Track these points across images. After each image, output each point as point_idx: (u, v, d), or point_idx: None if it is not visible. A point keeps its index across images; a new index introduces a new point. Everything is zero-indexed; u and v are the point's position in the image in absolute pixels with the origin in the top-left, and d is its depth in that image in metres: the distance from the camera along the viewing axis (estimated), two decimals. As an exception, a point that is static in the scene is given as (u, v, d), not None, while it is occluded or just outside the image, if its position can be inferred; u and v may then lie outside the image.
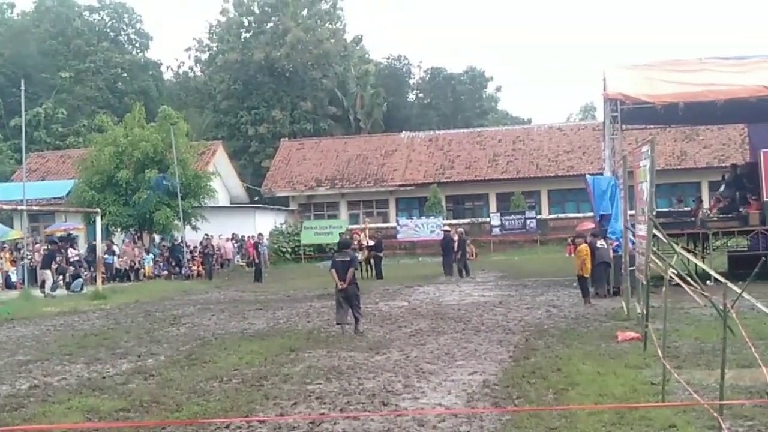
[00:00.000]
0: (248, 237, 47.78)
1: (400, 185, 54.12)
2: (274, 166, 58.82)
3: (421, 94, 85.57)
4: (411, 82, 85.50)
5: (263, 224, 49.72)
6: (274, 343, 15.73)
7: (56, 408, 10.76)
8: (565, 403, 9.77)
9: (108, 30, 79.54)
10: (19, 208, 34.73)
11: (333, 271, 17.35)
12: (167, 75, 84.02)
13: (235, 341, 16.34)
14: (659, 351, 10.10)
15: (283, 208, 56.22)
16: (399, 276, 33.27)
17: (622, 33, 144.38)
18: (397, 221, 50.48)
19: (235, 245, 46.72)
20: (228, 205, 54.87)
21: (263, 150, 68.70)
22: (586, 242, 21.66)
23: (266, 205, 55.33)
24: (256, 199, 59.39)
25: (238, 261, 45.87)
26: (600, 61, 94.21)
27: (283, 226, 51.98)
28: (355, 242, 34.88)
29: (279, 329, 18.13)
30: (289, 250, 49.78)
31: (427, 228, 47.92)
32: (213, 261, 40.45)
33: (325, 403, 10.43)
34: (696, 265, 18.35)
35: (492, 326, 17.14)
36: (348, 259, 17.47)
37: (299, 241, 49.09)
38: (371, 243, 34.78)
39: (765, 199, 24.39)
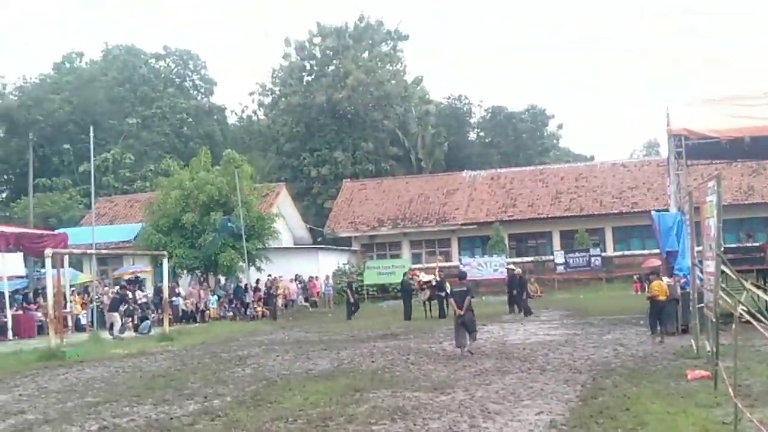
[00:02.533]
0: (312, 277, 48.04)
1: (462, 224, 54.00)
2: (336, 207, 59.18)
3: (482, 133, 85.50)
4: (472, 121, 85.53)
5: (326, 264, 49.95)
6: (338, 384, 15.75)
7: (125, 448, 10.90)
8: (635, 444, 9.62)
9: (173, 76, 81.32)
10: (89, 252, 35.36)
11: (452, 300, 20.40)
12: (231, 119, 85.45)
13: (299, 381, 16.39)
14: (730, 389, 9.90)
15: (346, 248, 56.43)
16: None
17: (684, 67, 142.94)
18: (460, 260, 50.24)
19: (299, 286, 46.98)
20: (292, 246, 55.27)
21: (326, 191, 69.16)
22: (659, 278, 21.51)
23: (329, 246, 55.60)
24: (319, 239, 59.70)
25: (301, 301, 46.08)
26: (662, 97, 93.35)
27: (346, 267, 52.12)
28: (415, 283, 34.92)
29: (343, 369, 18.14)
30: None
31: (491, 267, 47.63)
32: (276, 301, 40.70)
33: (390, 444, 10.41)
34: (766, 301, 17.92)
35: (558, 365, 16.95)
36: (465, 289, 20.08)
37: (362, 281, 49.13)
38: (434, 281, 34.58)
39: (837, 234, 23.89)
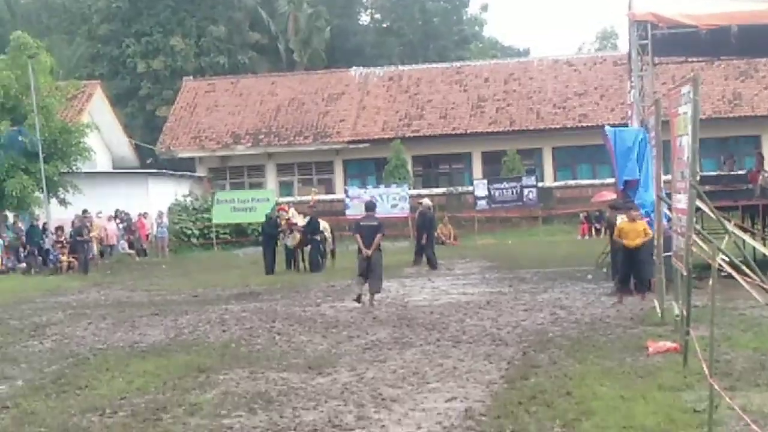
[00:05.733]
0: (140, 214, 47.40)
1: (350, 142, 53.96)
2: (174, 116, 58.34)
3: (378, 16, 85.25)
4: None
5: (159, 197, 49.32)
6: (176, 362, 15.67)
7: None
8: (578, 439, 9.87)
9: None
10: None
11: (357, 236, 22.86)
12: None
13: (121, 359, 16.25)
14: (705, 367, 10.21)
15: (188, 173, 55.82)
16: (348, 267, 33.21)
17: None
18: (346, 191, 50.24)
19: (121, 226, 46.34)
20: (110, 170, 54.38)
21: (159, 93, 68.05)
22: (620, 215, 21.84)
23: (163, 170, 54.88)
24: (149, 161, 58.88)
25: (123, 248, 45.53)
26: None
27: (188, 200, 51.60)
28: (282, 222, 34.58)
29: (183, 342, 18.05)
30: (196, 232, 49.45)
31: (388, 201, 47.66)
32: (89, 248, 40.08)
33: (247, 444, 10.44)
34: (755, 249, 18.51)
35: (477, 335, 17.20)
36: (375, 223, 22.88)
37: (210, 219, 48.76)
38: (304, 222, 34.25)
39: None
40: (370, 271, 22.38)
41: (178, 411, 12.07)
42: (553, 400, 11.64)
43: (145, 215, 47.85)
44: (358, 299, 22.21)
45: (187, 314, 22.38)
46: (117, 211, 46.65)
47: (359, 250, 22.74)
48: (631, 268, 21.42)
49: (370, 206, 24.49)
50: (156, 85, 68.69)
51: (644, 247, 21.08)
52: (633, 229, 21.23)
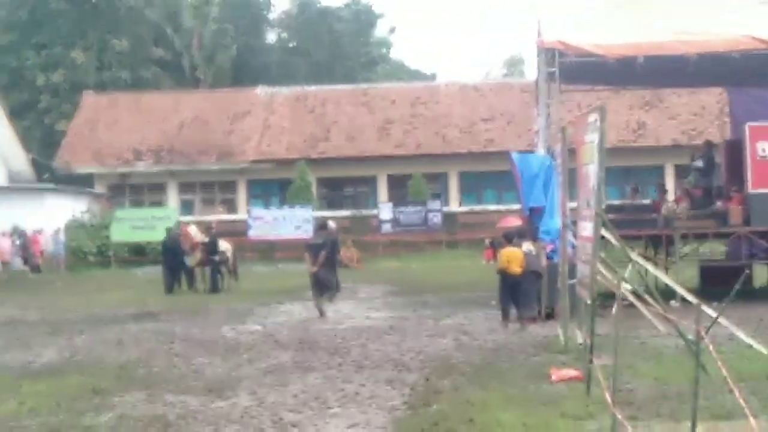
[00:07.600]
0: (35, 230, 46.78)
1: (254, 162, 53.84)
2: (73, 131, 57.74)
3: (284, 35, 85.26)
4: (271, 17, 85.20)
5: (57, 213, 48.74)
6: (70, 383, 15.46)
7: None
8: (480, 467, 9.89)
9: None
10: None
11: (307, 254, 24.77)
12: None
13: (13, 380, 16.01)
14: (607, 395, 10.30)
15: (86, 190, 55.22)
16: (250, 290, 33.07)
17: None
18: (249, 212, 50.18)
19: (16, 242, 45.69)
20: (5, 185, 53.60)
21: (58, 107, 67.36)
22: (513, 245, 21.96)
23: (61, 186, 54.28)
24: (46, 176, 58.14)
25: (17, 264, 44.87)
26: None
27: (86, 216, 51.03)
28: (188, 242, 34.12)
29: (78, 363, 17.82)
30: (94, 250, 48.92)
31: (292, 222, 47.75)
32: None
33: (143, 468, 10.33)
34: (657, 278, 18.74)
35: (380, 360, 17.20)
36: (320, 242, 24.77)
37: (108, 237, 48.30)
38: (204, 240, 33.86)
39: (750, 191, 25.07)
40: (322, 286, 24.44)
41: (71, 434, 11.92)
42: (455, 427, 11.65)
43: (40, 231, 47.23)
44: (321, 313, 24.12)
45: (82, 334, 22.13)
46: (14, 227, 46.01)
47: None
48: (512, 296, 21.61)
49: (321, 226, 27.28)
50: (55, 98, 68.00)
51: (525, 276, 21.46)
52: (515, 257, 21.49)
